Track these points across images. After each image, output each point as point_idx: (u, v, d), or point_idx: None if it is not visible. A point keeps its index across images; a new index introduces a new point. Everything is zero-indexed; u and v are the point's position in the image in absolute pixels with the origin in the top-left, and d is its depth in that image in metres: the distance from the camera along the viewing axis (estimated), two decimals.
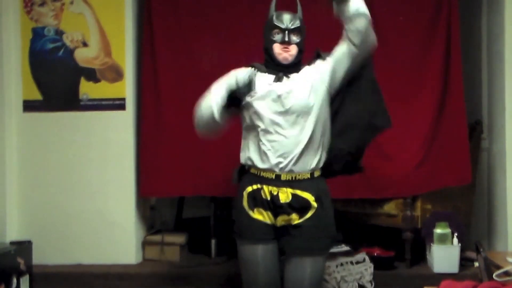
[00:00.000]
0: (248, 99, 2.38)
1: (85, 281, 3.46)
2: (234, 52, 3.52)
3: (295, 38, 2.41)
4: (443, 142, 3.49)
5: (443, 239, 3.27)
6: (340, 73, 2.44)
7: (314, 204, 2.37)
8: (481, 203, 3.87)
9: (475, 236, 3.70)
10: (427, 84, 3.51)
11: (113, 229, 3.66)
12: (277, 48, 2.41)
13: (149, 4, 3.67)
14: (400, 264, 3.46)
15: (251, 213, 2.40)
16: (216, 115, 2.38)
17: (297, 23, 2.41)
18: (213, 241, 3.83)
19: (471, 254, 3.37)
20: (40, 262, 3.53)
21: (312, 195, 2.37)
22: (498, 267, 2.54)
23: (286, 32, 2.39)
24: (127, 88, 3.69)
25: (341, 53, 2.43)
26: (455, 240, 3.28)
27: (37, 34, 3.73)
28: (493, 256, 2.84)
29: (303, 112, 2.36)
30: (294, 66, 2.44)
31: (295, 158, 2.35)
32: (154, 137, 3.65)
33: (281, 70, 2.42)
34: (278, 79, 2.41)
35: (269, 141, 2.35)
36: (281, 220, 2.39)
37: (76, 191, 3.69)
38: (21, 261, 3.28)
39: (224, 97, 2.40)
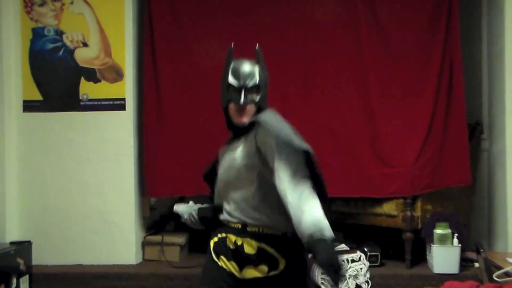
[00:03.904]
0: None
1: (85, 281, 3.46)
2: (234, 52, 3.51)
3: (253, 98, 2.01)
4: (443, 142, 3.49)
5: (443, 239, 3.27)
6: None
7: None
8: (481, 203, 3.86)
9: (475, 237, 3.70)
10: (427, 84, 3.50)
11: (113, 229, 3.66)
12: (232, 110, 2.04)
13: (149, 4, 3.67)
14: (400, 264, 3.46)
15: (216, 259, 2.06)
16: None
17: (254, 80, 2.02)
18: None
19: (471, 255, 3.36)
20: (39, 262, 3.53)
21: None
22: (498, 268, 2.54)
23: (242, 91, 2.00)
24: (127, 88, 3.69)
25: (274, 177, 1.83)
26: (455, 240, 3.27)
27: (37, 34, 3.72)
28: (493, 257, 2.84)
29: None
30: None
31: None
32: (157, 138, 3.66)
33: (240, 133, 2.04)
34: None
35: None
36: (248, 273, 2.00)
37: (76, 191, 3.68)
38: (21, 261, 3.28)
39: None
